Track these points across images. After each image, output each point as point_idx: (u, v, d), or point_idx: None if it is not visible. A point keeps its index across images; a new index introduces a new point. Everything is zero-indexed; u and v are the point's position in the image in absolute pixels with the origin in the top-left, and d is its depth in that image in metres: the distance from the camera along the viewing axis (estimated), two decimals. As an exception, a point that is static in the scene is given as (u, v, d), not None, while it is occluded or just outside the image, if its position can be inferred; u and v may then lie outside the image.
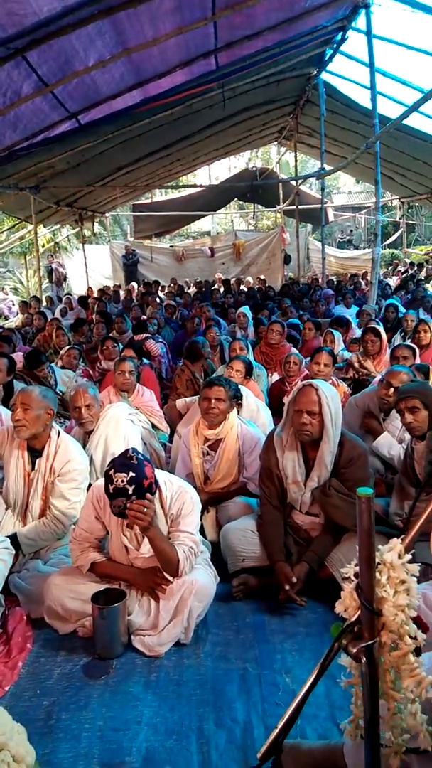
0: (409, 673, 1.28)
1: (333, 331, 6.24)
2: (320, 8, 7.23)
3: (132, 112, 7.72)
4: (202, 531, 3.25)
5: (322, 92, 10.53)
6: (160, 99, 7.68)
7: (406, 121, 8.29)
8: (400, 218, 17.72)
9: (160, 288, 14.27)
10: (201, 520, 3.31)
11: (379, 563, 1.28)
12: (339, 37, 8.92)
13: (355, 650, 1.22)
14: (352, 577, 1.29)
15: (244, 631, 2.67)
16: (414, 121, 9.47)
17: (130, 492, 2.33)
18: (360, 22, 7.97)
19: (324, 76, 10.53)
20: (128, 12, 5.24)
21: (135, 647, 2.53)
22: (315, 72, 10.40)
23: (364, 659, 1.23)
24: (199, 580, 2.57)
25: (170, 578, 2.55)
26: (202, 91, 8.17)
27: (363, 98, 9.74)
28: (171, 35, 6.09)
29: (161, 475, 2.63)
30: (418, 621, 1.29)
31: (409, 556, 1.29)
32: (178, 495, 2.61)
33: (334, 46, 9.33)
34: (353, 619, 1.26)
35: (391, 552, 1.29)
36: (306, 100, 11.93)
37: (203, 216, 21.22)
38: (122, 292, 14.14)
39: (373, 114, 7.95)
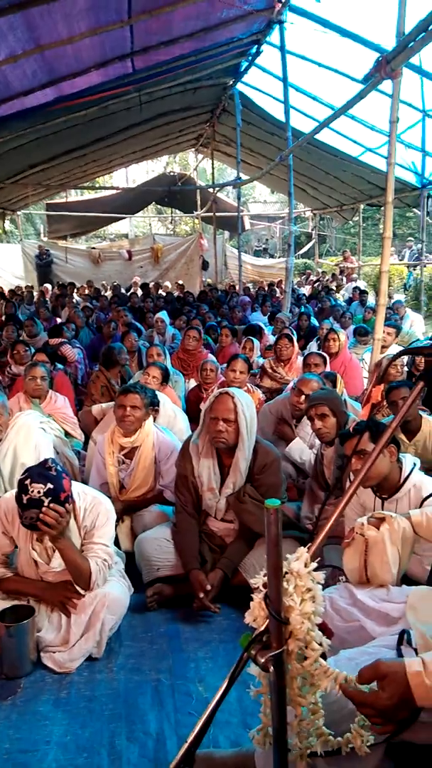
0: (324, 675, 1.32)
1: (252, 338, 6.37)
2: (236, 20, 7.37)
3: (46, 110, 7.51)
4: (116, 541, 3.20)
5: (238, 103, 10.73)
6: (75, 98, 7.53)
7: (318, 136, 8.61)
8: (312, 229, 18.32)
9: (75, 290, 13.94)
10: (116, 530, 3.28)
11: (286, 572, 1.31)
12: (254, 50, 9.13)
13: (263, 660, 1.24)
14: (261, 587, 1.31)
15: (158, 641, 2.66)
16: (326, 136, 9.85)
17: (46, 504, 2.26)
18: (274, 37, 8.20)
19: (240, 87, 10.73)
20: (41, 8, 5.10)
21: (45, 664, 2.45)
22: (231, 82, 10.58)
23: (272, 668, 1.25)
24: (111, 593, 2.53)
25: (82, 591, 2.49)
26: (118, 93, 8.09)
27: (277, 111, 10.02)
28: (86, 35, 5.99)
29: (75, 487, 2.57)
30: (323, 627, 1.33)
31: (314, 564, 1.32)
32: (92, 506, 2.56)
33: (250, 58, 9.54)
34: (261, 628, 1.28)
35: (298, 561, 1.32)
36: (222, 109, 12.11)
37: (121, 218, 20.97)
38: (35, 293, 13.70)
39: (286, 127, 8.20)
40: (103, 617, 2.47)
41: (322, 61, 8.43)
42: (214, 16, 7.11)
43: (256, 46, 8.95)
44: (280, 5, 7.47)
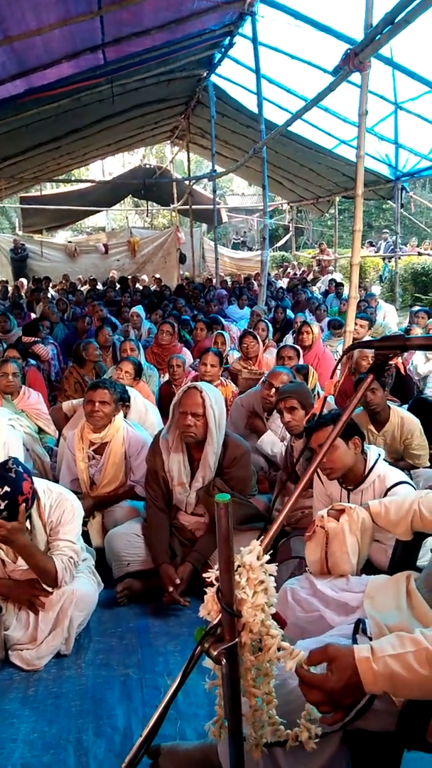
0: (289, 657, 1.33)
1: (223, 332, 6.37)
2: (207, 11, 7.33)
3: (16, 101, 7.41)
4: (87, 537, 3.20)
5: (212, 94, 10.70)
6: (46, 90, 7.43)
7: (293, 129, 8.62)
8: (289, 222, 18.36)
9: (50, 285, 13.79)
10: (86, 526, 3.27)
11: (239, 566, 1.32)
12: (227, 41, 9.09)
13: (216, 653, 1.25)
14: (214, 581, 1.32)
15: (127, 636, 2.66)
16: (300, 128, 9.87)
17: (2, 508, 2.24)
18: (247, 28, 8.17)
19: (213, 78, 10.69)
20: (8, -1, 5.03)
21: (13, 662, 2.45)
22: (205, 74, 10.52)
23: (224, 661, 1.26)
24: (80, 589, 2.52)
25: (49, 589, 2.49)
26: (90, 85, 8.00)
27: (252, 103, 10.00)
28: (55, 26, 5.91)
29: (40, 483, 2.55)
30: (276, 617, 1.35)
31: (267, 557, 1.34)
32: (57, 503, 2.55)
33: (223, 50, 9.50)
34: (215, 622, 1.29)
35: (251, 554, 1.33)
36: (197, 101, 12.06)
37: (97, 211, 20.79)
38: (10, 288, 13.54)
39: (260, 119, 8.19)
40: (71, 614, 2.47)
41: (294, 52, 8.43)
42: (186, 7, 7.06)
43: (228, 37, 8.91)
44: (252, -3, 7.46)
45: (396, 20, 4.19)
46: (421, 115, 8.55)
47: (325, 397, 2.70)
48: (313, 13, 7.14)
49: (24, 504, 2.30)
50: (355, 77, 5.28)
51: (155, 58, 8.20)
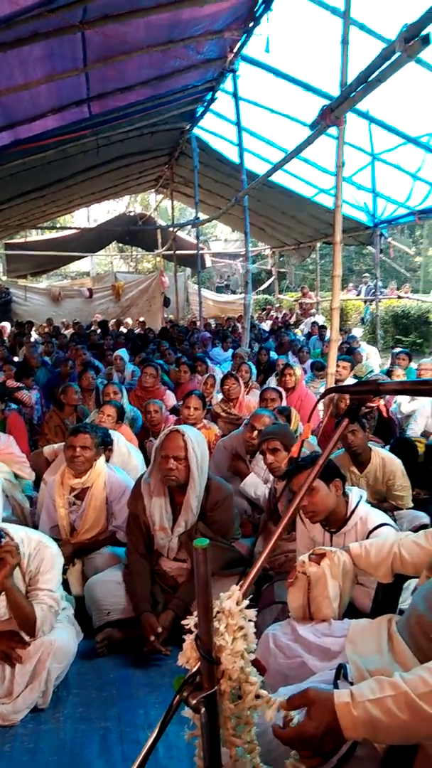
0: (267, 705, 1.31)
1: (213, 375, 6.42)
2: (189, 69, 7.65)
3: (3, 152, 7.60)
4: (66, 586, 3.14)
5: (195, 146, 11.05)
6: (32, 142, 7.64)
7: (274, 178, 8.92)
8: (272, 266, 18.75)
9: (33, 328, 13.83)
10: (66, 574, 3.21)
11: (218, 611, 1.31)
12: (209, 96, 9.46)
13: (194, 701, 1.23)
14: (192, 628, 1.31)
15: (107, 688, 2.59)
16: (281, 178, 10.21)
17: None
18: (228, 84, 8.53)
19: (196, 131, 11.07)
20: (-3, 56, 5.21)
21: (-13, 718, 2.36)
22: (188, 127, 10.90)
23: (203, 709, 1.24)
24: (57, 640, 2.46)
25: (27, 639, 2.42)
26: (75, 137, 8.24)
27: (233, 154, 10.36)
28: (42, 82, 6.12)
29: (19, 531, 2.51)
30: (256, 664, 1.33)
31: (246, 602, 1.33)
32: (36, 551, 2.50)
33: (205, 104, 9.88)
34: (193, 670, 1.27)
35: (230, 599, 1.32)
36: (180, 152, 12.44)
37: (82, 257, 21.07)
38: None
39: (241, 169, 8.47)
40: (48, 666, 2.40)
41: (274, 106, 8.79)
42: (168, 65, 7.36)
43: (210, 93, 9.28)
44: (232, 55, 7.82)
45: (369, 79, 4.41)
46: (398, 165, 8.90)
47: (302, 441, 2.72)
48: (291, 70, 7.51)
49: None
50: (333, 130, 5.52)
51: (139, 111, 8.49)
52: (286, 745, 1.19)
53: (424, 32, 3.34)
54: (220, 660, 1.27)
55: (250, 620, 1.32)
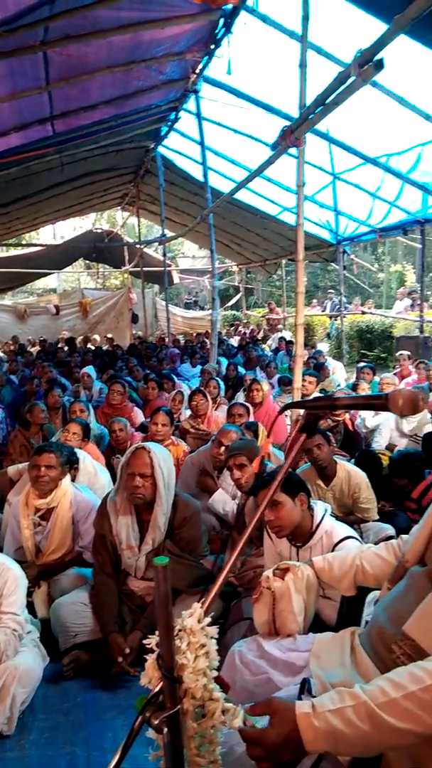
0: (233, 716, 1.31)
1: (181, 391, 6.43)
2: (152, 89, 7.73)
3: (-36, 170, 7.55)
4: (32, 608, 3.08)
5: (160, 164, 11.15)
6: (-6, 159, 7.60)
7: (238, 196, 9.03)
8: (239, 282, 18.94)
9: (-1, 346, 13.66)
10: (31, 596, 3.15)
11: (180, 630, 1.31)
12: (173, 116, 9.58)
13: (157, 722, 1.22)
14: (154, 647, 1.30)
15: (74, 712, 2.54)
16: (245, 196, 10.36)
17: None
18: (191, 104, 8.65)
19: (161, 149, 11.18)
20: None
21: None
22: (152, 145, 10.99)
23: (166, 730, 1.23)
24: (23, 664, 2.41)
25: (-10, 665, 2.37)
26: (39, 154, 8.22)
27: (198, 172, 10.48)
28: (4, 100, 6.11)
29: (-19, 554, 2.47)
30: (219, 681, 1.33)
31: (208, 620, 1.33)
32: (-1, 574, 2.46)
33: (169, 123, 9.99)
34: (156, 690, 1.27)
35: (191, 617, 1.32)
36: (146, 170, 12.52)
37: (48, 274, 20.93)
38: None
39: (206, 188, 8.57)
40: (13, 691, 2.35)
41: (236, 126, 8.93)
42: (131, 85, 7.43)
43: (174, 112, 9.40)
44: (194, 76, 7.94)
45: (327, 102, 4.53)
46: (357, 185, 9.12)
47: (263, 456, 2.75)
48: (253, 91, 7.65)
49: None
50: (294, 150, 5.64)
51: (104, 130, 8.53)
52: (247, 743, 1.20)
53: (377, 57, 3.45)
54: (183, 678, 1.27)
55: (212, 638, 1.32)
